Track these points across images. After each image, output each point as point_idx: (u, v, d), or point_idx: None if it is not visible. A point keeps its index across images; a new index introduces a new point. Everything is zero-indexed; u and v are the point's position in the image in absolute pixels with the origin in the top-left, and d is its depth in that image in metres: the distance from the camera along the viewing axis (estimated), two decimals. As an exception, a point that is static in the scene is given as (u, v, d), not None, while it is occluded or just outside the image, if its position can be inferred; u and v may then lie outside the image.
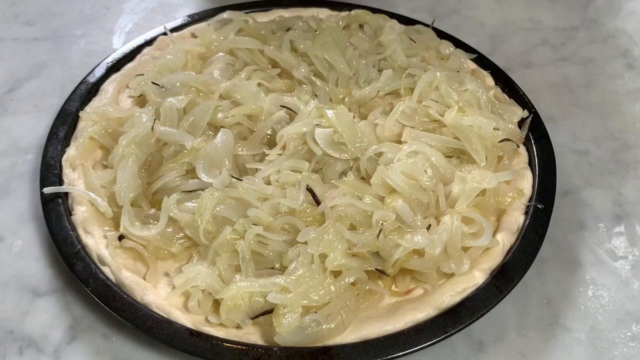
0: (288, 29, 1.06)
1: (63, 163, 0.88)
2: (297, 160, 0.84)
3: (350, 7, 1.16)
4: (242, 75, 0.95)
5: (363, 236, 0.75)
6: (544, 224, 0.82)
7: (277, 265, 0.76)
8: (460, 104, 0.89)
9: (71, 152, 0.89)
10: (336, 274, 0.74)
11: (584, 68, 1.18)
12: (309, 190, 0.80)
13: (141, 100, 0.98)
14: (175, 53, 1.01)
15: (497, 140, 0.89)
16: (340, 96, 0.94)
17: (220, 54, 1.03)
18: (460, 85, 0.96)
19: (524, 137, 0.94)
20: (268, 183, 0.84)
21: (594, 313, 0.81)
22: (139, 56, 1.06)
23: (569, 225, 0.91)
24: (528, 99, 1.00)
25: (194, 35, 1.10)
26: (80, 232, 0.80)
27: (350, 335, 0.71)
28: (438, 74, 0.94)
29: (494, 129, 0.88)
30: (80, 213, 0.81)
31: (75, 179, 0.85)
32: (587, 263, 0.86)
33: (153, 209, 0.82)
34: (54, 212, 0.81)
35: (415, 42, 1.06)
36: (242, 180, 0.80)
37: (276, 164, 0.84)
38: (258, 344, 0.70)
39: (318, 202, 0.79)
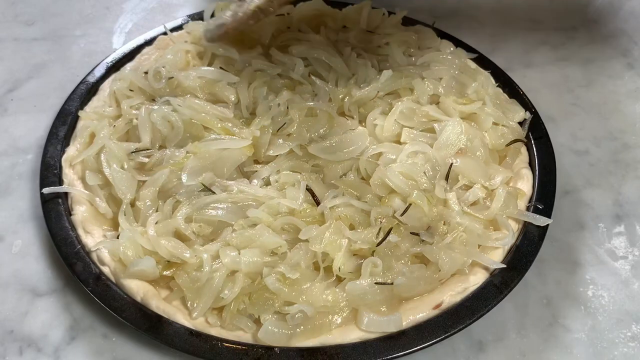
0: (288, 27, 1.06)
1: (63, 163, 0.88)
2: (297, 161, 0.85)
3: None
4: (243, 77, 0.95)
5: (362, 234, 0.75)
6: (543, 224, 0.82)
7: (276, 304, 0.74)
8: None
9: (71, 152, 0.89)
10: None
11: (584, 68, 1.18)
12: (309, 190, 0.80)
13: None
14: (175, 52, 1.01)
15: (506, 143, 0.90)
16: (340, 96, 0.94)
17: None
18: (463, 86, 0.96)
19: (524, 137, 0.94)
20: (268, 184, 0.84)
21: (594, 313, 0.81)
22: (138, 56, 1.05)
23: (569, 225, 0.91)
24: (528, 99, 1.00)
25: (193, 36, 1.10)
26: (80, 232, 0.80)
27: (350, 335, 0.71)
28: (440, 89, 0.94)
29: (503, 125, 0.90)
30: (80, 213, 0.81)
31: (75, 179, 0.85)
32: (587, 263, 0.86)
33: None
34: (54, 212, 0.81)
35: (415, 38, 1.06)
36: (214, 192, 0.81)
37: (276, 165, 0.84)
38: (258, 344, 0.70)
39: (318, 202, 0.79)
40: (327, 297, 0.72)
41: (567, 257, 0.87)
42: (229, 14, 0.94)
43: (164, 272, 0.75)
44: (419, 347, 0.70)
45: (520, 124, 0.96)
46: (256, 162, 0.88)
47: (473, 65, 1.04)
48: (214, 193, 0.80)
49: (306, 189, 0.80)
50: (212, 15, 1.11)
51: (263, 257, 0.74)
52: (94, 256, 0.78)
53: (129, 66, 1.03)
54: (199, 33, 1.04)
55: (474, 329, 0.77)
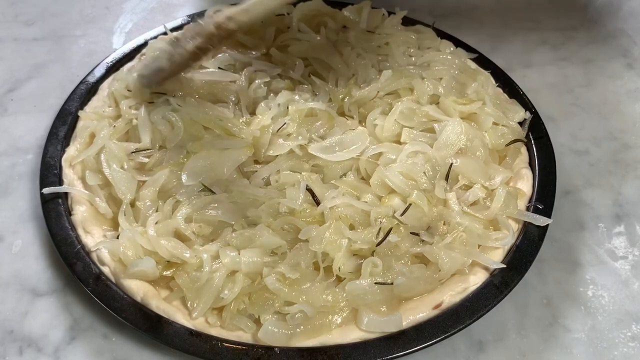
0: (288, 27, 1.06)
1: (63, 163, 0.88)
2: (297, 161, 0.85)
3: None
4: (242, 77, 0.95)
5: (362, 234, 0.75)
6: (543, 224, 0.82)
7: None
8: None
9: (71, 152, 0.89)
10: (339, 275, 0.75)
11: (584, 68, 1.18)
12: (309, 190, 0.80)
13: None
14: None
15: (505, 143, 0.90)
16: (340, 96, 0.94)
17: (219, 55, 1.02)
18: (462, 86, 0.96)
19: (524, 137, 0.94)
20: (268, 184, 0.84)
21: (594, 313, 0.81)
22: (138, 56, 1.06)
23: (569, 225, 0.91)
24: (528, 99, 1.00)
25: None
26: (80, 232, 0.80)
27: (350, 335, 0.71)
28: (440, 89, 0.94)
29: (503, 125, 0.90)
30: (80, 213, 0.81)
31: (75, 179, 0.85)
32: (587, 263, 0.86)
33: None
34: (54, 212, 0.81)
35: (415, 38, 1.06)
36: (214, 192, 0.80)
37: (276, 165, 0.84)
38: (258, 344, 0.70)
39: (318, 202, 0.79)
40: (327, 297, 0.72)
41: (567, 257, 0.87)
42: (164, 57, 0.88)
43: (164, 273, 0.75)
44: (419, 347, 0.70)
45: (520, 124, 0.96)
46: (256, 162, 0.88)
47: (473, 65, 1.04)
48: (214, 193, 0.80)
49: (306, 189, 0.80)
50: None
51: (263, 257, 0.74)
52: (94, 256, 0.78)
53: (128, 66, 1.03)
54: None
55: (474, 329, 0.77)
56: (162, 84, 0.90)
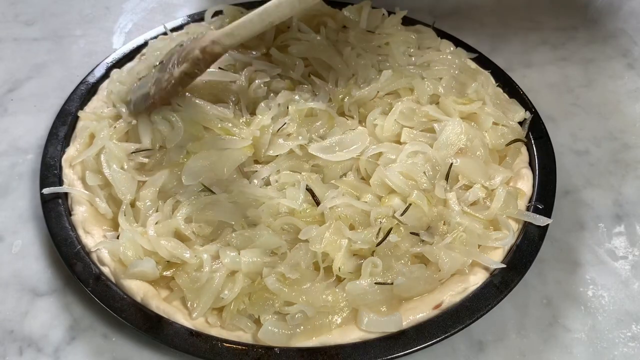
0: (288, 27, 1.06)
1: (63, 163, 0.88)
2: (297, 161, 0.84)
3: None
4: (242, 77, 0.95)
5: (362, 234, 0.75)
6: (543, 224, 0.82)
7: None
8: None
9: (71, 152, 0.89)
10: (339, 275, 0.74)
11: (584, 68, 1.18)
12: (309, 190, 0.80)
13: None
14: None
15: (506, 143, 0.90)
16: (340, 96, 0.94)
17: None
18: (463, 86, 0.96)
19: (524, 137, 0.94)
20: (268, 184, 0.84)
21: (594, 313, 0.81)
22: (138, 56, 1.06)
23: (569, 225, 0.91)
24: (528, 99, 1.00)
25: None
26: (80, 232, 0.80)
27: (350, 335, 0.71)
28: (440, 89, 0.94)
29: (503, 125, 0.90)
30: (80, 213, 0.81)
31: (75, 179, 0.85)
32: (587, 263, 0.86)
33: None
34: (54, 212, 0.81)
35: (415, 38, 1.06)
36: (214, 192, 0.80)
37: (276, 165, 0.84)
38: (258, 344, 0.70)
39: (318, 202, 0.79)
40: (327, 297, 0.72)
41: (567, 257, 0.87)
42: (151, 82, 0.86)
43: (164, 273, 0.75)
44: (419, 347, 0.70)
45: (520, 124, 0.96)
46: (256, 162, 0.88)
47: (473, 65, 1.04)
48: (214, 193, 0.80)
49: (306, 189, 0.80)
50: (213, 16, 1.11)
51: (263, 257, 0.74)
52: (94, 256, 0.78)
53: (128, 66, 1.03)
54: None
55: (474, 329, 0.77)
56: (149, 111, 0.88)
